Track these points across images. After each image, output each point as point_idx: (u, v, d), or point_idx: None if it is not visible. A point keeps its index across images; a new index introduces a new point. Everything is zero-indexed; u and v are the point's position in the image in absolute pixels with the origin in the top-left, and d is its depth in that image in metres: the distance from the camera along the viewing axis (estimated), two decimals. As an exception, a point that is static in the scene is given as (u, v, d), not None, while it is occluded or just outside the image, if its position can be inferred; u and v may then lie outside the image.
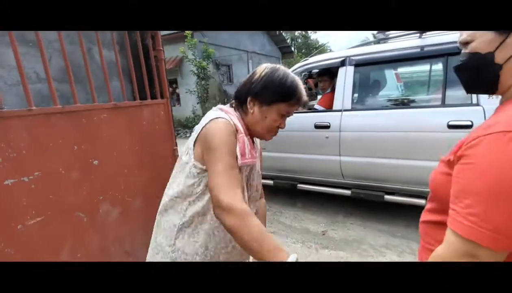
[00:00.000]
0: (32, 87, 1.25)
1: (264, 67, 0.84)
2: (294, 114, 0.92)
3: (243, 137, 0.78)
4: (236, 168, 0.74)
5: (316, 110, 2.70)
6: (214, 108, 0.87)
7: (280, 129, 0.87)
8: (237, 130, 0.78)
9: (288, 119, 0.87)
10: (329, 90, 2.83)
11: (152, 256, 0.90)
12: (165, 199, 0.88)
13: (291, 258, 0.59)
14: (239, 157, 0.76)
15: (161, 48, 1.81)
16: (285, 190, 3.32)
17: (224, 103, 0.90)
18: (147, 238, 1.85)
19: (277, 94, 0.80)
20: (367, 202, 2.77)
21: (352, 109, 2.40)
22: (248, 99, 0.83)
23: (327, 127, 2.44)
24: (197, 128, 0.81)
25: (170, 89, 5.37)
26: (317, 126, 2.50)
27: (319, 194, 2.92)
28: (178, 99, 10.61)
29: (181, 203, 0.82)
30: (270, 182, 3.02)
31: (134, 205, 1.67)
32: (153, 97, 1.79)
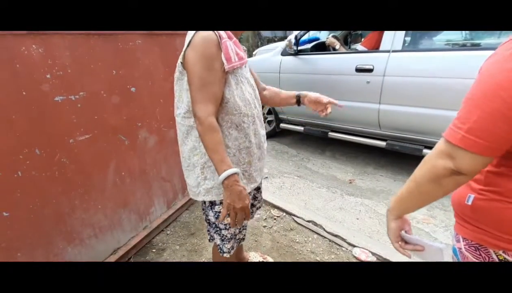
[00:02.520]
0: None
1: None
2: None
3: (225, 42, 0.80)
4: (212, 82, 0.79)
5: (360, 51, 2.43)
6: None
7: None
8: (220, 37, 0.79)
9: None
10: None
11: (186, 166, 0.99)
12: (178, 121, 0.93)
13: (230, 171, 0.78)
14: (225, 62, 0.80)
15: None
16: (315, 138, 3.27)
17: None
18: (181, 170, 1.97)
19: None
20: (401, 156, 2.63)
21: (403, 50, 2.12)
22: None
23: (370, 70, 2.22)
24: (185, 43, 0.82)
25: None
26: (358, 70, 2.28)
27: (350, 144, 2.82)
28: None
29: (192, 115, 0.87)
30: (300, 128, 2.96)
31: (169, 136, 1.75)
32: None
